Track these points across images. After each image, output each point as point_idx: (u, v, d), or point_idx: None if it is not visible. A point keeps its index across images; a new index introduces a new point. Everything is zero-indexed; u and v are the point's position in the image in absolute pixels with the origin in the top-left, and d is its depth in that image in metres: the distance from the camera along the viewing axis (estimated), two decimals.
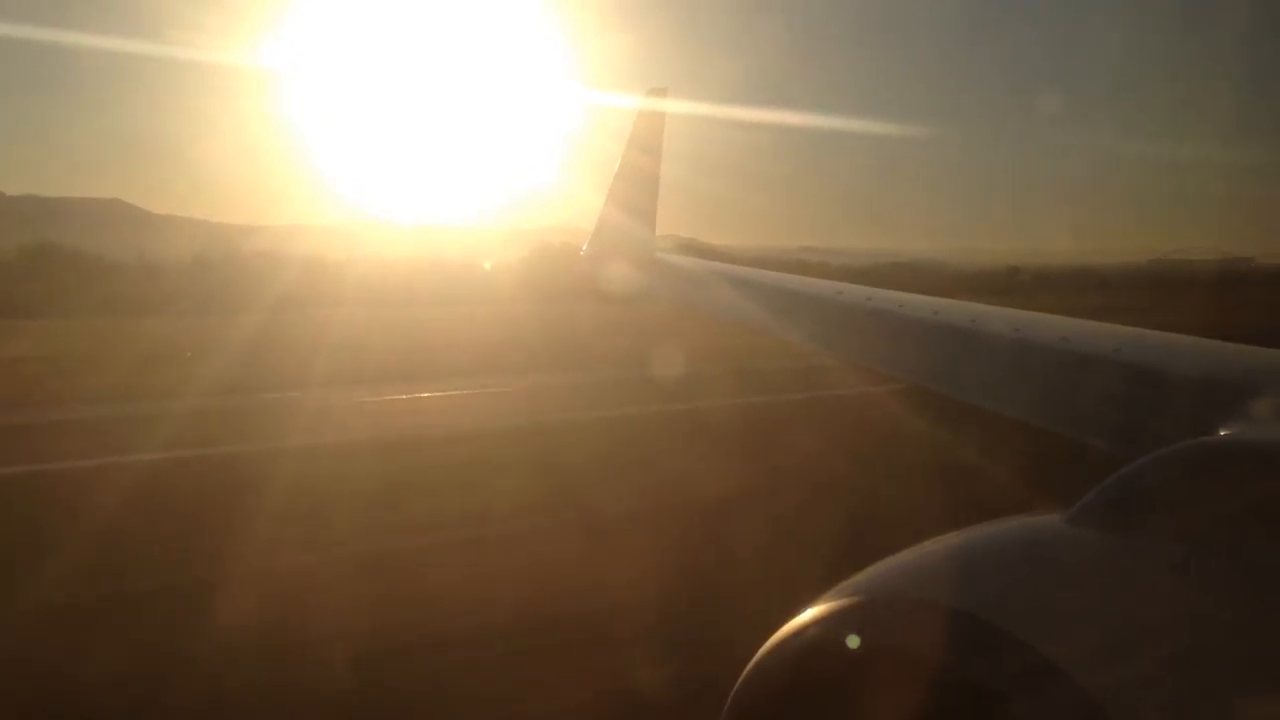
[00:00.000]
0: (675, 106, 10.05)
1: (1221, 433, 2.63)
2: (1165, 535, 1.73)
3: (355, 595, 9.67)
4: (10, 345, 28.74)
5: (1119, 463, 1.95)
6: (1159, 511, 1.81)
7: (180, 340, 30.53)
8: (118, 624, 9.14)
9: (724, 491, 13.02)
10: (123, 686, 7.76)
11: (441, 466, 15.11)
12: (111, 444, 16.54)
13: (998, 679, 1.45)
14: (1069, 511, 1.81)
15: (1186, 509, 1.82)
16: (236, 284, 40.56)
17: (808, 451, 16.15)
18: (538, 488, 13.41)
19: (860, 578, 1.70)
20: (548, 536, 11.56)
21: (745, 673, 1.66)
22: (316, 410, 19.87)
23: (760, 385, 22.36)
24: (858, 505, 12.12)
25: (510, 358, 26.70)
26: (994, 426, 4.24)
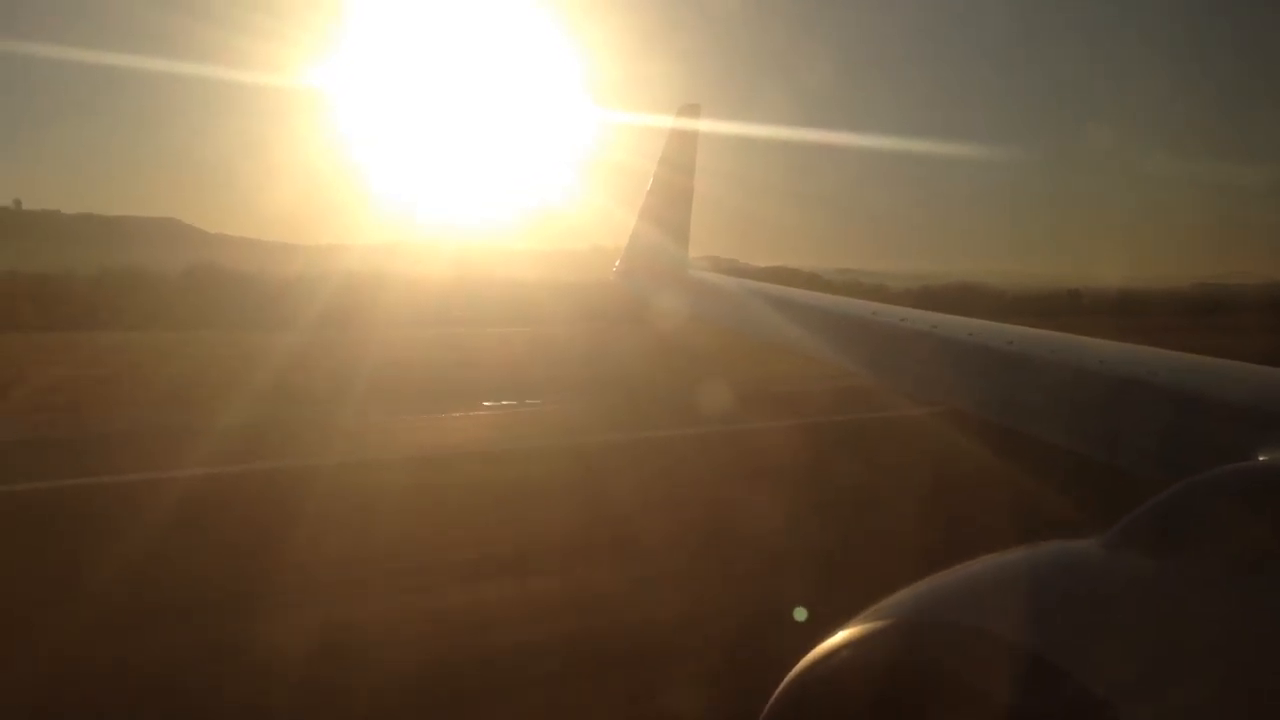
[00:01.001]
0: (708, 125, 10.08)
1: (1260, 458, 2.60)
2: (1204, 560, 1.71)
3: None
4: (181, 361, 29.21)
5: (1156, 487, 1.93)
6: (1197, 536, 1.79)
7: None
8: None
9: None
10: None
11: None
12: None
13: (1032, 706, 1.44)
14: (1106, 535, 1.80)
15: (1225, 534, 1.80)
16: (322, 301, 41.35)
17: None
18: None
19: (894, 600, 1.69)
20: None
21: (776, 694, 1.65)
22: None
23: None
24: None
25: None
26: (1029, 449, 4.20)
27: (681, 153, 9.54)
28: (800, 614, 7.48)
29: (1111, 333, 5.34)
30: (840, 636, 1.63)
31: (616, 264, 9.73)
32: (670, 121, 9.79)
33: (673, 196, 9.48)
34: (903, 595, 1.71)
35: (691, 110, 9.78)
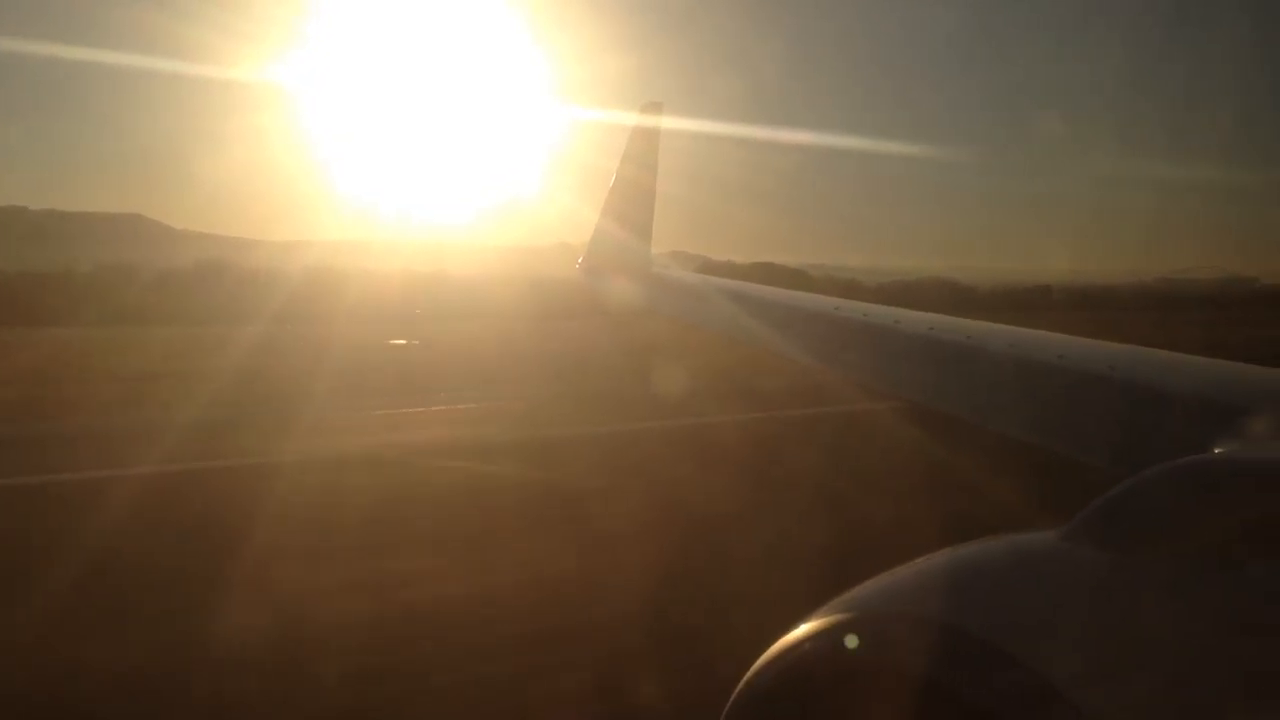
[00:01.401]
0: (671, 122, 10.09)
1: (1216, 450, 2.64)
2: (1159, 553, 1.73)
3: None
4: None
5: (1113, 480, 1.95)
6: (1153, 529, 1.81)
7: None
8: None
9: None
10: None
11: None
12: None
13: (990, 697, 1.45)
14: (1063, 528, 1.81)
15: (1180, 527, 1.82)
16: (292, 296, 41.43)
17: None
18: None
19: (853, 593, 1.70)
20: None
21: (739, 688, 1.66)
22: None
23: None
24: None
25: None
26: (987, 443, 4.24)
27: (644, 150, 9.54)
28: None
29: (1083, 327, 5.40)
30: (801, 630, 1.64)
31: (580, 260, 9.73)
32: (634, 118, 9.79)
33: (635, 193, 9.49)
34: (863, 588, 1.72)
35: (654, 108, 9.80)
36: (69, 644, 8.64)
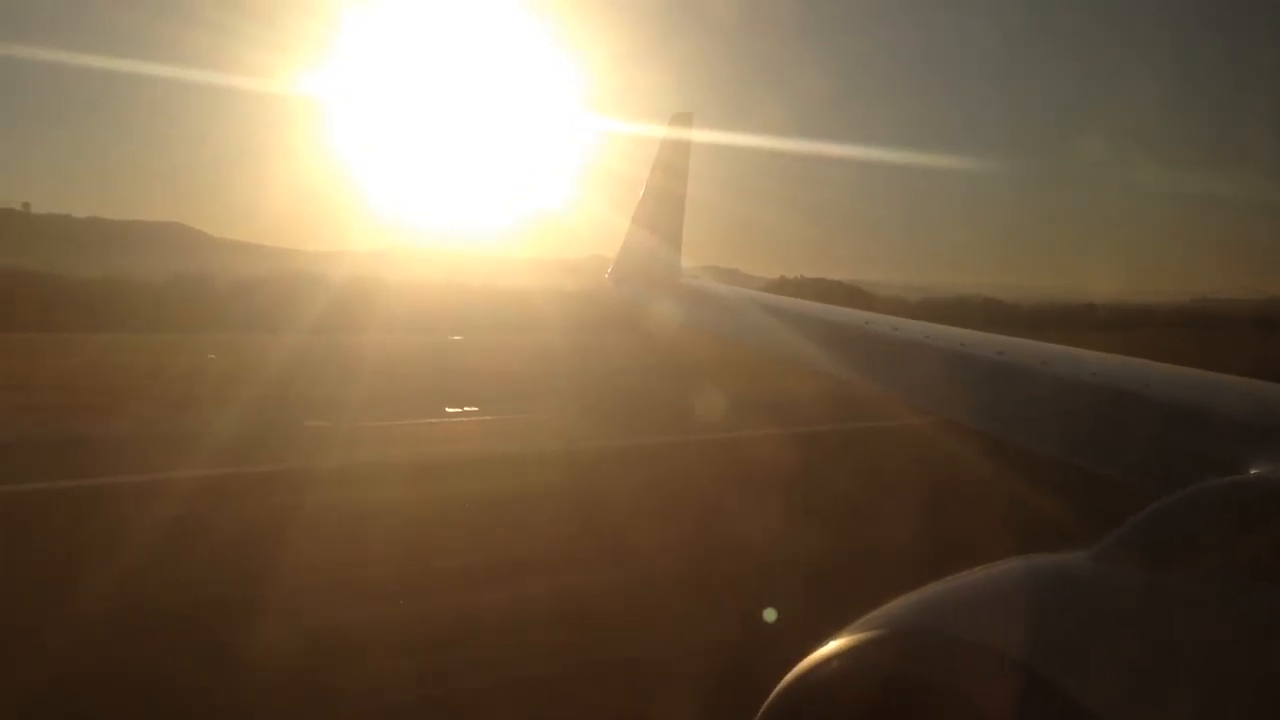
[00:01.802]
0: (701, 134, 10.10)
1: (1252, 471, 2.60)
2: (1195, 573, 1.71)
3: None
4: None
5: (1147, 500, 1.93)
6: (1188, 550, 1.79)
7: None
8: None
9: None
10: None
11: None
12: None
13: (1021, 717, 1.44)
14: (1097, 548, 1.80)
15: (1216, 547, 1.80)
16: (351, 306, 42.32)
17: None
18: None
19: (883, 611, 1.69)
20: None
21: (767, 703, 1.65)
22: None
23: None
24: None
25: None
26: (1020, 460, 4.21)
27: (674, 161, 9.55)
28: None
29: (1127, 347, 5.34)
30: (831, 646, 1.63)
31: (609, 271, 9.73)
32: (664, 130, 9.81)
33: (665, 204, 9.49)
34: (893, 606, 1.71)
35: (684, 119, 9.81)
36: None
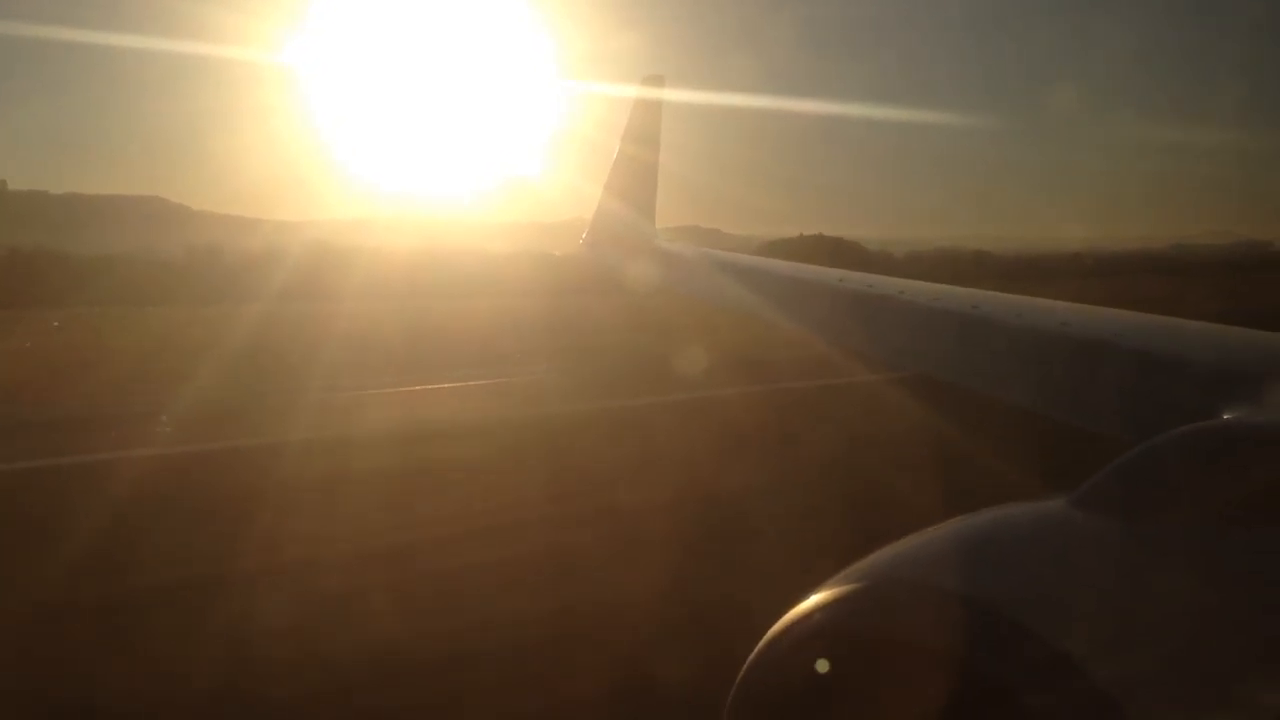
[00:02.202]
0: (676, 95, 10.03)
1: (1225, 416, 2.63)
2: (1169, 519, 1.73)
3: None
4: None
5: (1121, 447, 1.95)
6: (1162, 496, 1.81)
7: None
8: None
9: None
10: None
11: None
12: None
13: (1002, 665, 1.45)
14: (1073, 496, 1.81)
15: (1190, 493, 1.82)
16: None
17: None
18: None
19: (865, 563, 1.71)
20: None
21: (752, 657, 1.67)
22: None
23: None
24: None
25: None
26: (995, 412, 4.24)
27: (646, 124, 9.48)
28: None
29: (1106, 294, 5.36)
30: (813, 599, 1.65)
31: (584, 236, 9.69)
32: (635, 92, 9.73)
33: (638, 168, 9.43)
34: (874, 558, 1.72)
35: (655, 81, 9.72)
36: None
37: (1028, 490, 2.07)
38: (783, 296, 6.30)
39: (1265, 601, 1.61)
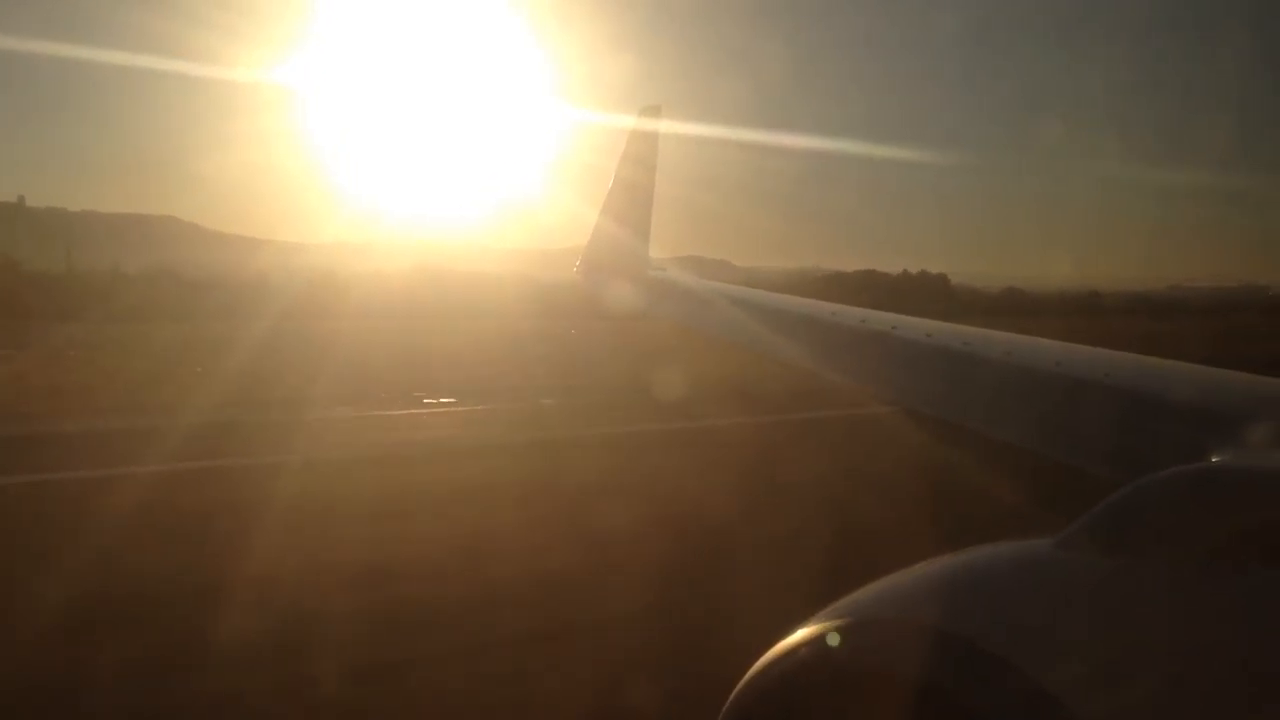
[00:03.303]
0: (672, 126, 10.08)
1: (1212, 458, 2.63)
2: (1156, 560, 1.73)
3: None
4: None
5: (1110, 487, 1.95)
6: (1150, 536, 1.81)
7: None
8: None
9: None
10: None
11: None
12: None
13: (987, 703, 1.45)
14: (1060, 535, 1.81)
15: (1177, 534, 1.82)
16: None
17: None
18: None
19: (851, 599, 1.70)
20: None
21: (735, 692, 1.65)
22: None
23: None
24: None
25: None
26: (985, 449, 4.24)
27: (643, 152, 9.51)
28: None
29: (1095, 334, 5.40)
30: (798, 635, 1.64)
31: (578, 262, 9.70)
32: (633, 121, 9.77)
33: (633, 196, 9.46)
34: (860, 594, 1.71)
35: (653, 111, 9.77)
36: None
37: (1015, 528, 2.07)
38: (775, 327, 6.31)
39: (1250, 642, 1.60)
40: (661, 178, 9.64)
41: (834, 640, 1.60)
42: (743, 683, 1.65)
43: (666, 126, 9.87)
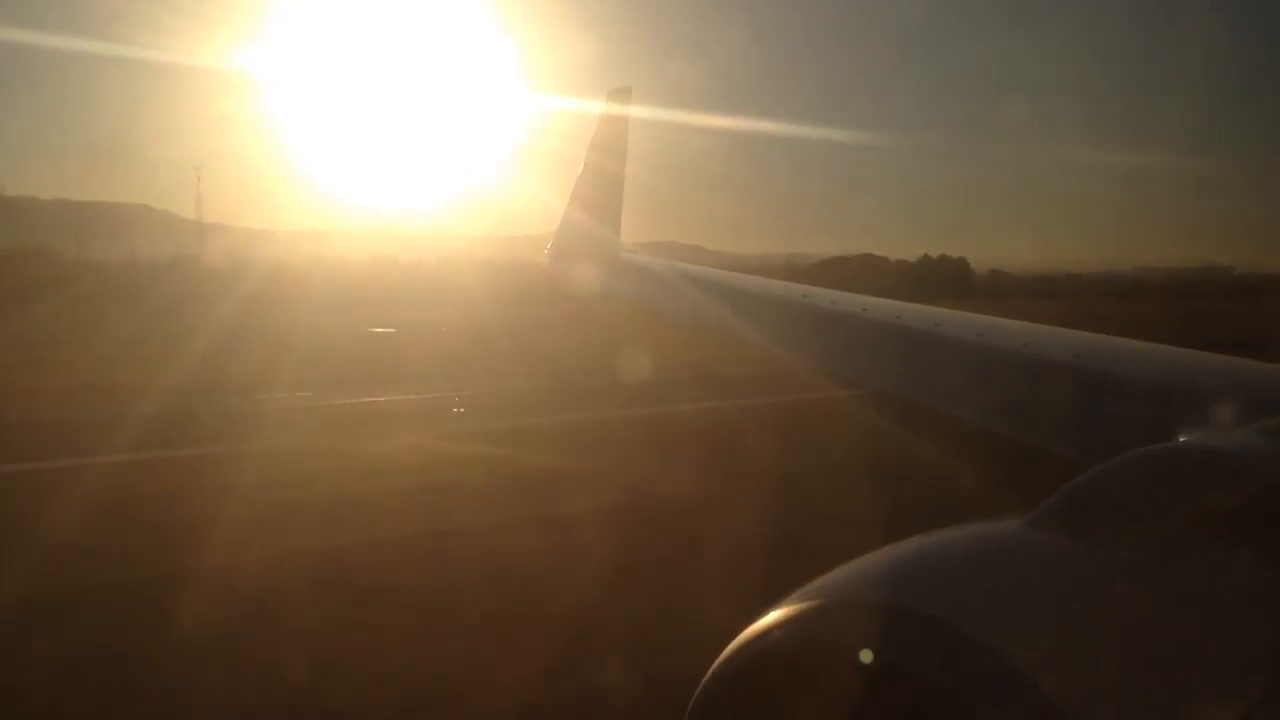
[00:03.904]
0: (640, 110, 10.02)
1: (1179, 439, 2.66)
2: (1123, 540, 1.75)
3: None
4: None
5: (1078, 468, 1.97)
6: (1117, 517, 1.83)
7: None
8: None
9: None
10: None
11: None
12: None
13: (957, 682, 1.45)
14: (1029, 517, 1.82)
15: (1144, 514, 1.84)
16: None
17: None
18: None
19: (823, 581, 1.70)
20: None
21: (709, 674, 1.65)
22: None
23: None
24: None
25: None
26: (953, 431, 4.26)
27: (612, 137, 9.46)
28: None
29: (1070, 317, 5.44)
30: (770, 618, 1.64)
31: (548, 247, 9.65)
32: (602, 106, 9.71)
33: (604, 180, 9.40)
34: (831, 576, 1.72)
35: (622, 94, 9.70)
36: None
37: (984, 508, 2.08)
38: (747, 310, 6.30)
39: (1216, 621, 1.62)
40: (631, 161, 9.60)
41: (806, 624, 1.60)
42: (715, 665, 1.65)
43: (636, 110, 9.82)
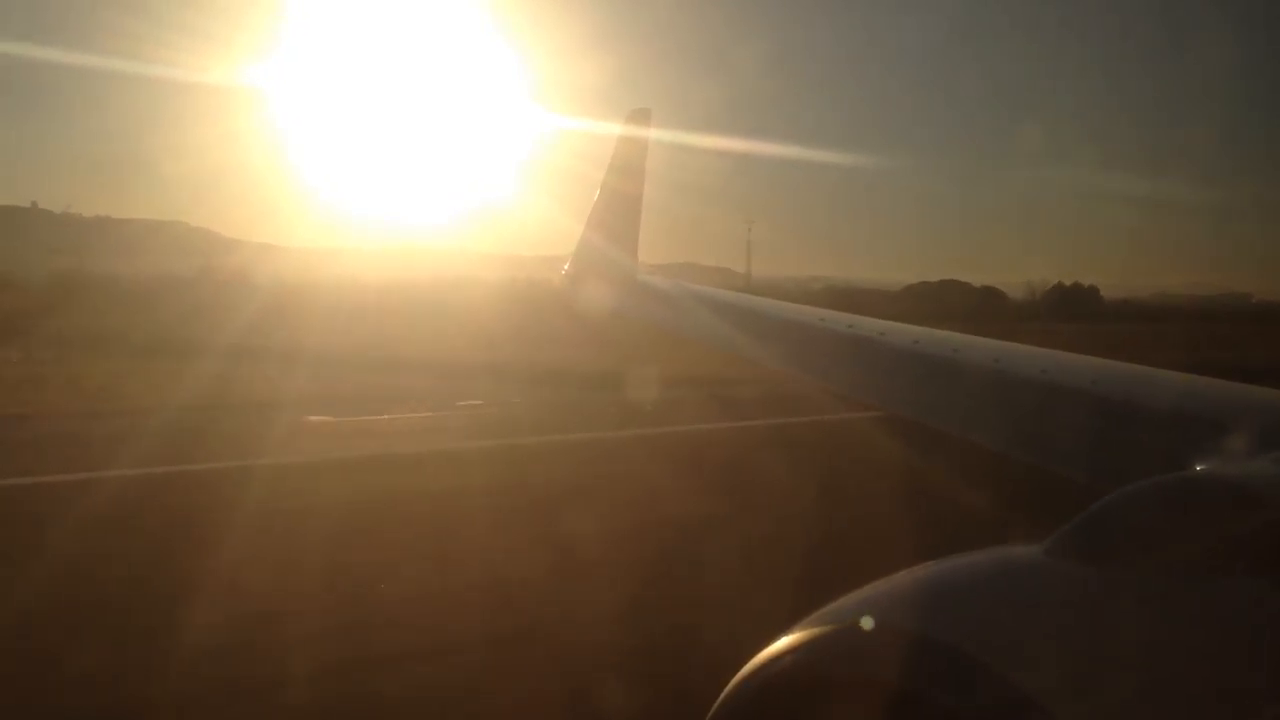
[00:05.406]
0: (660, 132, 10.07)
1: (1197, 466, 2.64)
2: (1140, 568, 1.74)
3: None
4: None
5: (1095, 494, 1.96)
6: (1134, 544, 1.82)
7: None
8: None
9: None
10: None
11: None
12: None
13: (972, 712, 1.44)
14: (1045, 543, 1.81)
15: (1161, 542, 1.83)
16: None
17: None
18: None
19: (836, 606, 1.69)
20: None
21: (719, 700, 1.65)
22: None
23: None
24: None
25: None
26: (971, 455, 4.25)
27: (631, 158, 9.49)
28: None
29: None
30: (784, 642, 1.63)
31: (565, 267, 9.69)
32: (621, 127, 9.76)
33: (622, 202, 9.44)
34: (846, 600, 1.71)
35: (641, 116, 9.75)
36: None
37: (1000, 534, 2.07)
38: (763, 333, 6.31)
39: (1234, 651, 1.61)
40: (653, 183, 9.63)
41: (820, 650, 1.59)
42: (727, 690, 1.65)
43: (655, 133, 9.87)
